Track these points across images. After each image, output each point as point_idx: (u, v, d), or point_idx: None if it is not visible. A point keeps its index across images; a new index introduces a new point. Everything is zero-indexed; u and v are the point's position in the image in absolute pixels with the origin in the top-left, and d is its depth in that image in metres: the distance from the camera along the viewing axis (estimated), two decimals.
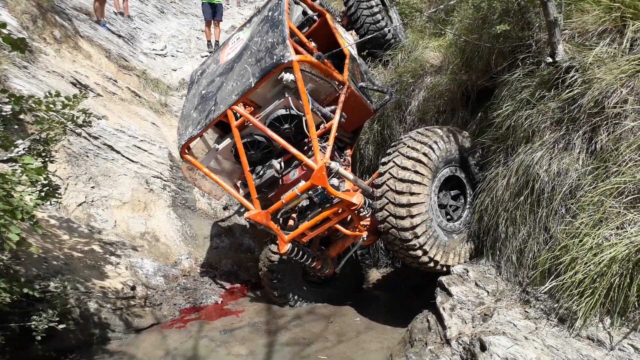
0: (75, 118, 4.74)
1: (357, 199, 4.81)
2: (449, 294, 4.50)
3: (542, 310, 3.68)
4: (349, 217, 5.25)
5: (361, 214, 5.10)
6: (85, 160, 7.33)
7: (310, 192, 4.88)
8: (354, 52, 6.18)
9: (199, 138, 5.61)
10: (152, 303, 6.09)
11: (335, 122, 5.04)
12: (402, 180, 4.46)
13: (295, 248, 5.25)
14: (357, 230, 5.26)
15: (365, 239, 5.27)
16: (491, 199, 4.49)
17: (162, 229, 7.60)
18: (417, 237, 4.48)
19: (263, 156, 5.34)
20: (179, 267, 7.11)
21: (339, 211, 5.01)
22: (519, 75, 4.46)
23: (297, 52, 4.79)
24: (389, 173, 4.58)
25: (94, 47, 9.56)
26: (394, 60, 7.04)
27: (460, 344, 3.93)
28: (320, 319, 5.83)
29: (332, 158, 5.24)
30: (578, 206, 3.62)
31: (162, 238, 7.46)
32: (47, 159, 4.64)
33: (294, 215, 5.61)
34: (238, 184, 6.04)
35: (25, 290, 4.31)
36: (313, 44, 5.59)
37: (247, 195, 5.44)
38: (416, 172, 4.47)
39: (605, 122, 3.71)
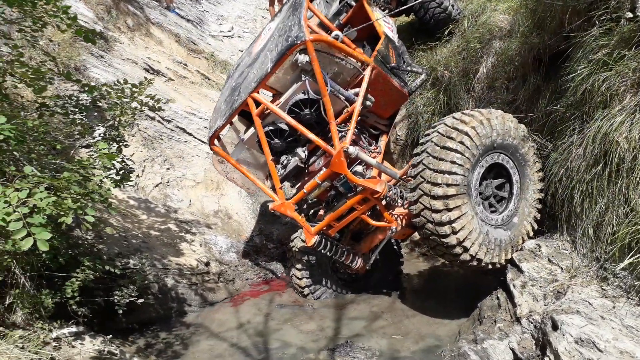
0: (144, 103, 4.95)
1: (381, 186, 4.60)
2: (520, 271, 4.31)
3: (620, 288, 3.44)
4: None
5: (392, 204, 4.88)
6: (160, 143, 7.69)
7: (335, 181, 4.72)
8: (392, 34, 5.86)
9: (228, 128, 5.61)
10: (225, 278, 6.35)
11: (357, 104, 4.80)
12: (435, 184, 4.17)
13: (323, 240, 5.08)
14: (386, 220, 4.96)
15: (394, 230, 4.99)
16: (565, 169, 4.20)
17: (234, 207, 7.85)
18: (464, 248, 4.24)
19: (288, 145, 5.17)
20: (251, 243, 7.33)
21: (364, 200, 4.78)
22: (596, 34, 4.08)
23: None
24: (423, 164, 4.28)
25: (165, 32, 9.92)
26: (460, 27, 6.71)
27: (531, 322, 3.78)
28: (388, 294, 5.83)
29: (355, 143, 5.04)
30: None
31: (234, 215, 7.72)
32: (121, 144, 4.88)
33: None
34: (269, 175, 5.87)
35: (107, 268, 4.64)
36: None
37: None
38: (451, 171, 4.15)
39: None
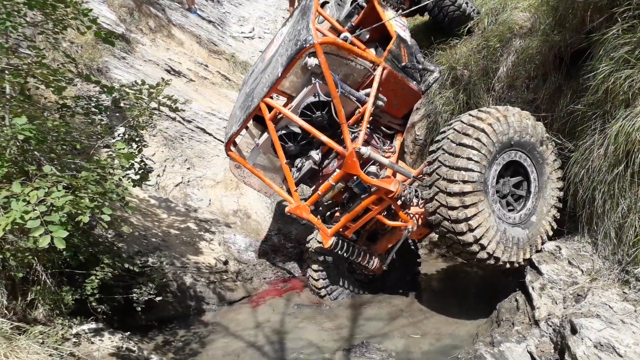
0: (162, 103, 5.01)
1: (394, 185, 4.58)
2: (539, 273, 4.23)
3: None
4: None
5: (408, 203, 4.84)
6: (181, 143, 7.78)
7: (349, 182, 4.74)
8: (404, 33, 5.83)
9: (244, 134, 5.67)
10: (244, 277, 6.39)
11: (369, 105, 4.81)
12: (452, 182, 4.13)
13: (340, 242, 5.09)
14: (401, 220, 4.93)
15: (411, 230, 4.94)
16: (586, 170, 4.11)
17: (253, 207, 7.89)
18: (481, 246, 4.19)
19: (302, 148, 5.20)
20: (269, 242, 7.36)
21: (379, 200, 4.77)
22: (618, 31, 3.98)
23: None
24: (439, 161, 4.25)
25: (186, 34, 10.02)
26: (480, 25, 6.62)
27: (550, 326, 3.72)
28: (405, 294, 5.79)
29: (368, 144, 5.04)
30: None
31: (253, 215, 7.76)
32: (140, 144, 4.95)
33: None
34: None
35: (127, 265, 4.69)
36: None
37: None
38: (467, 168, 4.10)
39: None
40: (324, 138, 4.75)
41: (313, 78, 4.76)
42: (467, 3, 6.84)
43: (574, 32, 4.75)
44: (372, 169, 4.85)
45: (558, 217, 4.61)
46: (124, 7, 8.61)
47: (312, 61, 4.58)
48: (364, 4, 5.82)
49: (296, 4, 11.57)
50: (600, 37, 4.15)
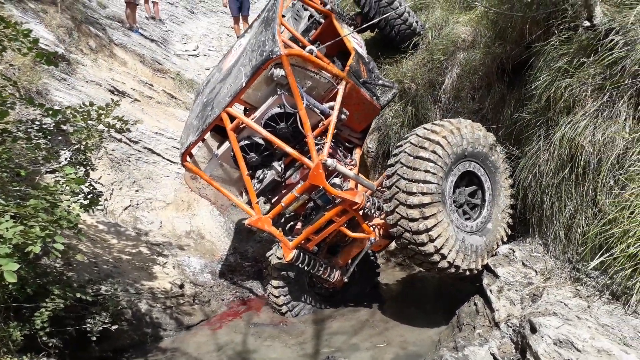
0: (111, 125, 4.85)
1: (359, 197, 4.64)
2: (496, 276, 4.37)
3: (594, 288, 3.51)
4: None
5: (370, 215, 4.91)
6: (128, 165, 7.54)
7: (313, 193, 4.77)
8: (362, 50, 5.99)
9: (200, 145, 5.60)
10: (201, 300, 6.22)
11: (333, 118, 4.87)
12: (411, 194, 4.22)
13: (301, 255, 5.06)
14: (364, 232, 4.97)
15: (373, 241, 5.00)
16: (534, 174, 4.31)
17: (207, 226, 7.74)
18: (442, 255, 4.28)
19: (264, 159, 5.17)
20: (225, 262, 7.22)
21: (342, 212, 4.81)
22: (555, 43, 4.22)
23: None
24: (397, 174, 4.33)
25: (129, 53, 9.77)
26: (425, 40, 6.86)
27: (510, 327, 3.81)
28: (367, 306, 5.81)
29: (332, 156, 5.09)
30: (627, 177, 3.42)
31: (207, 235, 7.60)
32: (88, 168, 4.76)
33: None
34: (243, 191, 5.88)
35: (78, 295, 4.46)
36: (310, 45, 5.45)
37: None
38: (425, 180, 4.21)
39: None
40: (289, 150, 4.73)
41: (278, 89, 4.75)
42: (417, 22, 7.10)
43: (514, 44, 5.01)
44: (336, 181, 4.86)
45: (511, 223, 4.79)
46: (62, 27, 8.30)
47: (278, 72, 4.56)
48: (322, 20, 5.91)
49: (241, 23, 11.63)
50: (540, 48, 4.39)
